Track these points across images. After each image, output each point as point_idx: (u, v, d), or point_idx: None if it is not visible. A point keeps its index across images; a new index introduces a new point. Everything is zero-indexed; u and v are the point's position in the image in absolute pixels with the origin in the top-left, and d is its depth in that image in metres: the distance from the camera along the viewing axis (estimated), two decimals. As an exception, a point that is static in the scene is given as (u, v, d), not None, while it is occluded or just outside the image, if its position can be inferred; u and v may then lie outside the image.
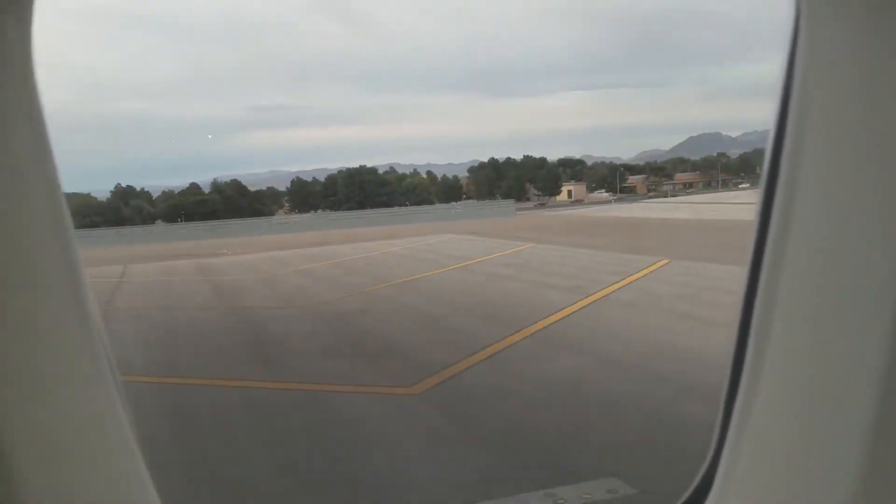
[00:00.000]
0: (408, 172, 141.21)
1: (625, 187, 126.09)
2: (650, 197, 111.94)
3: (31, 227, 1.21)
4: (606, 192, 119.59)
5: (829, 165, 1.20)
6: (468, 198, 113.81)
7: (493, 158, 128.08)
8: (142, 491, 1.42)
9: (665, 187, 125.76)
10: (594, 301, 14.07)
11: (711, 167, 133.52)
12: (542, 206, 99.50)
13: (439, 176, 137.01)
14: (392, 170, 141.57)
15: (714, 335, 10.59)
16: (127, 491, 1.38)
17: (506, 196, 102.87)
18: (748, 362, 1.40)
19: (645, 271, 18.18)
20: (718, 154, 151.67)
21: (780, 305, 1.31)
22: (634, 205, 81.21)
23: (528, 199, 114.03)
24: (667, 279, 16.78)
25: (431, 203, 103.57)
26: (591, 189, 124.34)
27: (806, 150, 1.23)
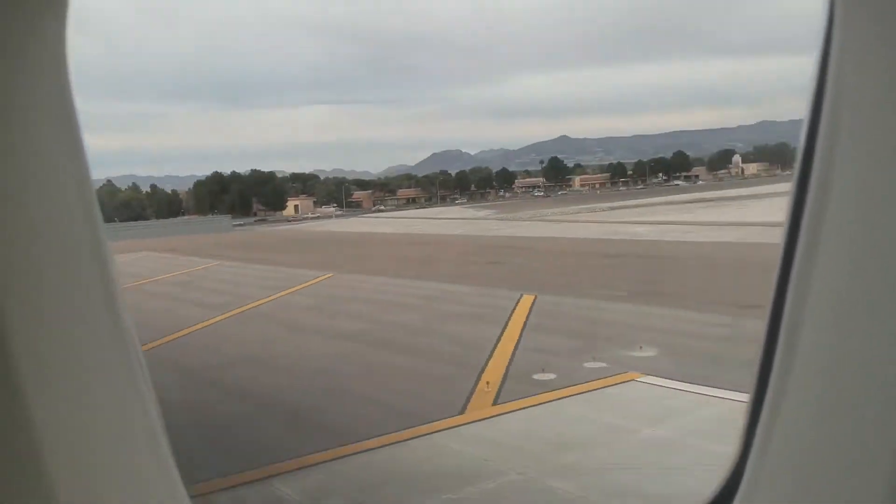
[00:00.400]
0: (129, 185, 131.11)
1: (351, 202, 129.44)
2: (374, 211, 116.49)
3: (65, 223, 1.20)
4: (334, 206, 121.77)
5: (863, 163, 1.16)
6: (189, 213, 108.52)
7: (216, 172, 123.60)
8: (168, 484, 1.42)
9: (390, 202, 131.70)
10: (228, 316, 14.74)
11: (432, 183, 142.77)
12: (264, 221, 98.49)
13: (177, 188, 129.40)
14: (109, 182, 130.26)
15: (298, 340, 11.86)
16: (153, 483, 1.39)
17: (229, 211, 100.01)
18: (777, 364, 1.34)
19: (303, 285, 19.27)
20: (440, 171, 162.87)
21: (810, 307, 1.26)
22: (353, 219, 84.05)
23: (254, 214, 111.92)
24: (315, 292, 18.04)
25: (147, 219, 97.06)
26: (320, 203, 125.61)
27: (838, 148, 1.19)
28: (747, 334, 9.18)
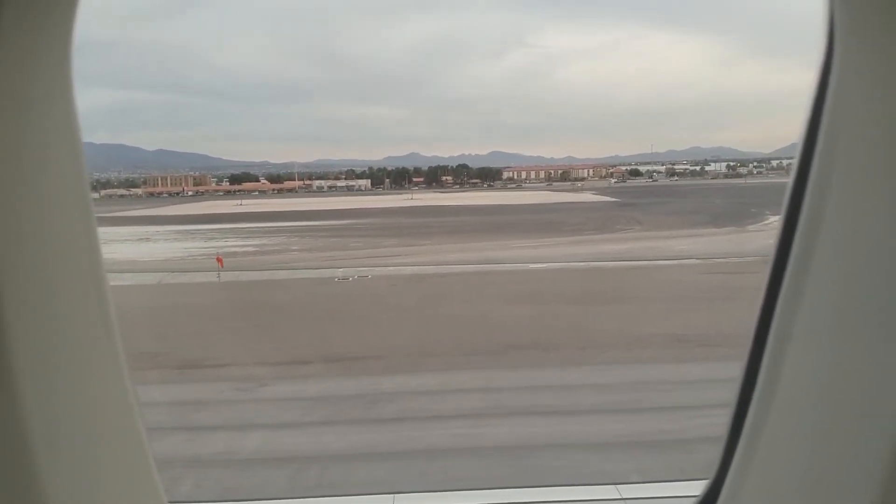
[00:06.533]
0: None
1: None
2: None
3: (63, 225, 1.17)
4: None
5: (859, 176, 1.14)
6: None
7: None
8: (149, 482, 1.42)
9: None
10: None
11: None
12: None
13: None
14: None
15: None
16: (135, 480, 1.38)
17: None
18: (763, 372, 1.31)
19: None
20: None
21: (800, 316, 1.24)
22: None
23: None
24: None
25: None
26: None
27: (836, 161, 1.17)
28: None
